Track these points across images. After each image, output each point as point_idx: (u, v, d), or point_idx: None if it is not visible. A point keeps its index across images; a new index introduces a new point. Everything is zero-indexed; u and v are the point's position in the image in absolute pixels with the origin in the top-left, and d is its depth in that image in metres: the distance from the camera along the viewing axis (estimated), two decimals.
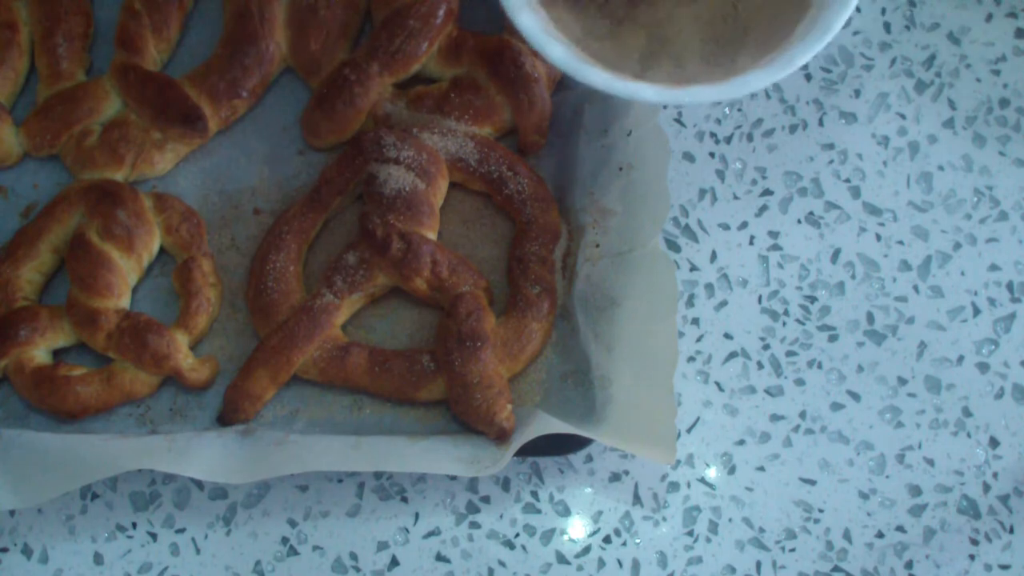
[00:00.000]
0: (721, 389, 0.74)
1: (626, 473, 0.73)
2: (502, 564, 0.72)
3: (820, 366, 0.75)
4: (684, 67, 0.66)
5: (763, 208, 0.77)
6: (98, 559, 0.73)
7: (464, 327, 0.71)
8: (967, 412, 0.74)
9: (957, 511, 0.72)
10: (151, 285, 0.77)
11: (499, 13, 0.80)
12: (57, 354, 0.76)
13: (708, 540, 0.72)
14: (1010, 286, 0.76)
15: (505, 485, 0.73)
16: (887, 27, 0.80)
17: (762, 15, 0.66)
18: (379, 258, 0.73)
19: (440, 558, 0.72)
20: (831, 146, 0.78)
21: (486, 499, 0.73)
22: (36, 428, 0.74)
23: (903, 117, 0.79)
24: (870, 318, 0.75)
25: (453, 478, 0.73)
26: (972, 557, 0.71)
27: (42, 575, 0.73)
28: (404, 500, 0.73)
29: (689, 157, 0.79)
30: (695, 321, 0.76)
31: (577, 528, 0.73)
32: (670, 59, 0.66)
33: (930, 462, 0.73)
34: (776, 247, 0.77)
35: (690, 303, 0.76)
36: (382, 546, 0.73)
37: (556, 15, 0.66)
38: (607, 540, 0.72)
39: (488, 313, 0.73)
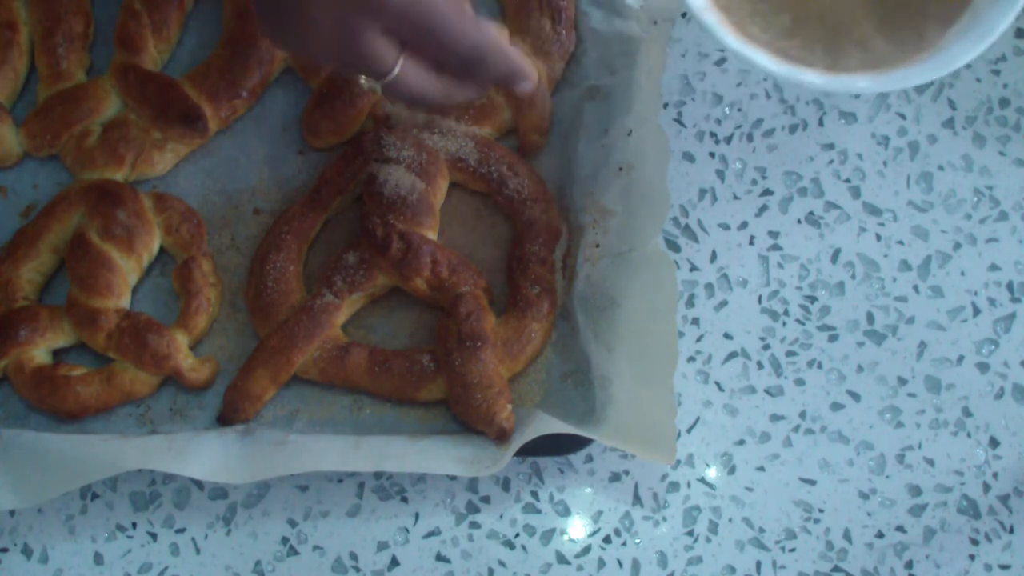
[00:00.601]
0: (721, 389, 0.74)
1: (626, 473, 0.73)
2: (502, 564, 0.72)
3: (820, 366, 0.75)
4: (871, 50, 0.66)
5: (763, 208, 0.77)
6: (98, 559, 0.73)
7: (464, 327, 0.71)
8: (967, 412, 0.74)
9: (957, 511, 0.72)
10: (151, 285, 0.77)
11: (499, 13, 0.80)
12: (57, 354, 0.76)
13: (708, 540, 0.72)
14: (1010, 286, 0.76)
15: (505, 485, 0.73)
16: None
17: None
18: (379, 258, 0.73)
19: (440, 558, 0.72)
20: (831, 146, 0.78)
21: (486, 499, 0.73)
22: (36, 428, 0.74)
23: (903, 117, 0.79)
24: (870, 318, 0.75)
25: (453, 478, 0.73)
26: (972, 557, 0.71)
27: (42, 575, 0.73)
28: (404, 500, 0.73)
29: (689, 157, 0.79)
30: (695, 321, 0.76)
31: (577, 528, 0.73)
32: (854, 45, 0.66)
33: (930, 462, 0.73)
34: (776, 247, 0.77)
35: (690, 303, 0.76)
36: (382, 546, 0.73)
37: (741, 25, 0.67)
38: (607, 540, 0.72)
39: (488, 313, 0.73)
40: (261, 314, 0.74)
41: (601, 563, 0.72)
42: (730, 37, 0.65)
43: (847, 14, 0.67)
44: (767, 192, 0.78)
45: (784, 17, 0.67)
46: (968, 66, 0.79)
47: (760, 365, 0.75)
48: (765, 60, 0.64)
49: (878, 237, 0.77)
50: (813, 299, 0.76)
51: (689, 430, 0.74)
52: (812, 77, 0.64)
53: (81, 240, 0.75)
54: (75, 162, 0.78)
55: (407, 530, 0.73)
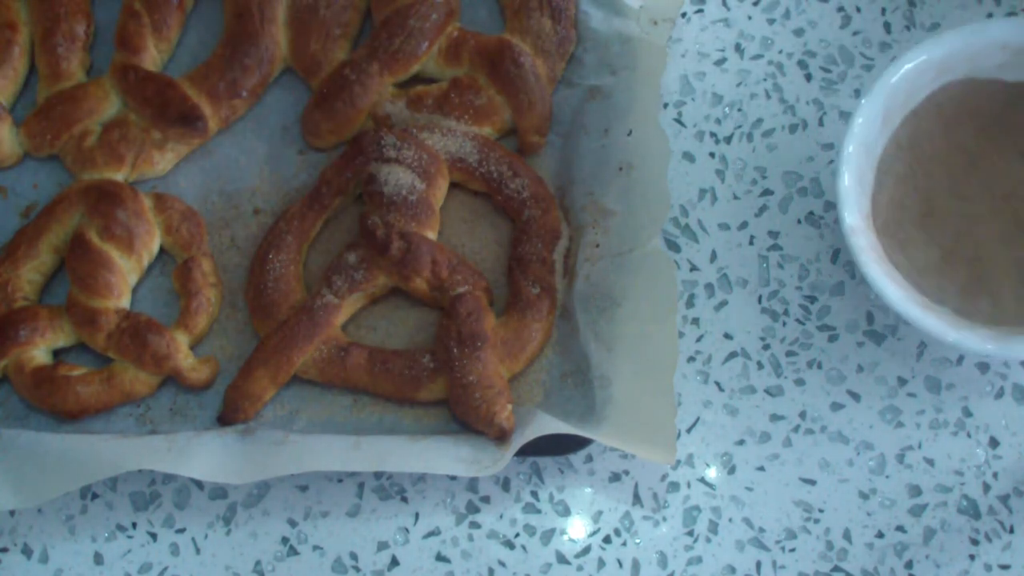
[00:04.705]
0: (721, 389, 0.74)
1: (626, 473, 0.73)
2: (502, 564, 0.72)
3: (820, 366, 0.75)
4: (1001, 307, 0.69)
5: (763, 208, 0.77)
6: (98, 559, 0.73)
7: (464, 327, 0.71)
8: (967, 412, 0.74)
9: (957, 511, 0.72)
10: (151, 285, 0.77)
11: (499, 13, 0.80)
12: (57, 354, 0.76)
13: (708, 540, 0.72)
14: None
15: (505, 485, 0.73)
16: (887, 27, 0.80)
17: None
18: (379, 258, 0.73)
19: (440, 558, 0.72)
20: (831, 146, 0.78)
21: (486, 499, 0.73)
22: (36, 428, 0.74)
23: None
24: (870, 318, 0.75)
25: (453, 478, 0.73)
26: (972, 557, 0.71)
27: (42, 575, 0.73)
28: (404, 500, 0.73)
29: (689, 157, 0.79)
30: (695, 321, 0.76)
31: (577, 528, 0.73)
32: (988, 297, 0.69)
33: (930, 462, 0.73)
34: (776, 247, 0.77)
35: (690, 303, 0.76)
36: (382, 546, 0.73)
37: (889, 251, 0.70)
38: (607, 540, 0.72)
39: (488, 313, 0.73)
40: (261, 314, 0.74)
41: (601, 563, 0.72)
42: (872, 265, 0.67)
43: (995, 264, 0.69)
44: (767, 192, 0.78)
45: (934, 251, 0.70)
46: None
47: (760, 365, 0.75)
48: (895, 294, 0.67)
49: None
50: (813, 299, 0.76)
51: (689, 430, 0.74)
52: (936, 324, 0.66)
53: (81, 240, 0.75)
54: (75, 162, 0.78)
55: (407, 530, 0.73)
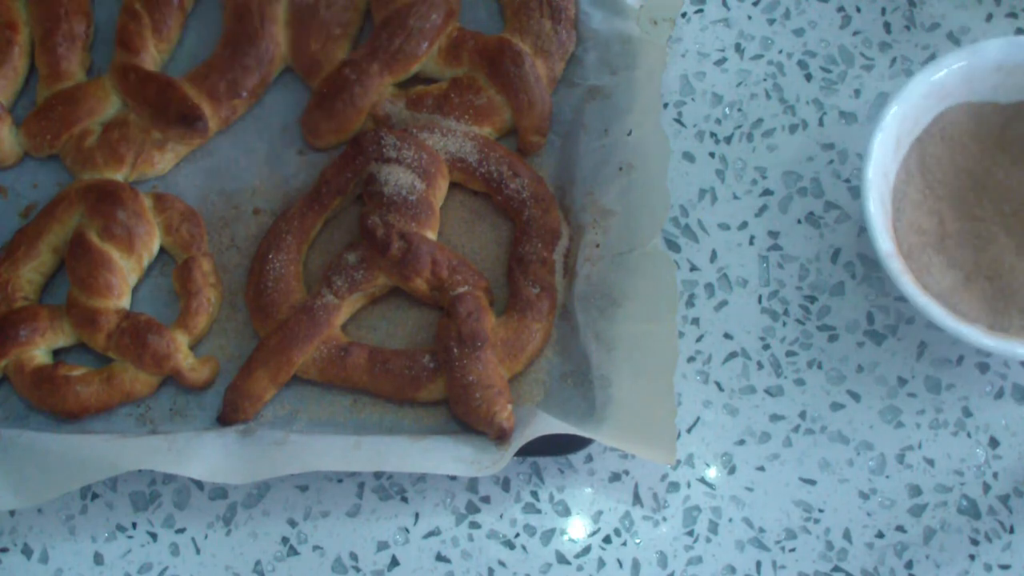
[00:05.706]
0: (721, 389, 0.74)
1: (626, 473, 0.73)
2: (502, 564, 0.72)
3: (820, 366, 0.75)
4: None
5: (763, 208, 0.77)
6: (98, 559, 0.73)
7: (464, 327, 0.71)
8: (967, 412, 0.74)
9: (957, 511, 0.72)
10: (151, 285, 0.77)
11: (499, 13, 0.80)
12: (57, 354, 0.76)
13: (708, 540, 0.72)
14: None
15: (505, 485, 0.73)
16: (887, 27, 0.80)
17: None
18: (379, 258, 0.73)
19: (440, 558, 0.72)
20: (831, 146, 0.78)
21: (486, 499, 0.73)
22: (36, 428, 0.74)
23: None
24: (870, 318, 0.75)
25: (453, 478, 0.73)
26: (972, 557, 0.71)
27: (42, 575, 0.73)
28: (404, 500, 0.73)
29: (689, 157, 0.79)
30: (695, 321, 0.76)
31: (577, 528, 0.73)
32: (1018, 312, 0.70)
33: (930, 462, 0.73)
34: (776, 247, 0.77)
35: (690, 303, 0.76)
36: (382, 546, 0.73)
37: (919, 274, 0.70)
38: (607, 540, 0.72)
39: (488, 313, 0.73)
40: (261, 314, 0.74)
41: (601, 563, 0.72)
42: (910, 286, 0.68)
43: (1016, 280, 0.70)
44: (767, 192, 0.78)
45: (957, 273, 0.71)
46: None
47: (760, 365, 0.75)
48: (938, 313, 0.68)
49: None
50: (813, 299, 0.76)
51: (689, 430, 0.74)
52: (978, 336, 0.67)
53: (81, 240, 0.75)
54: (75, 162, 0.78)
55: (407, 530, 0.73)
